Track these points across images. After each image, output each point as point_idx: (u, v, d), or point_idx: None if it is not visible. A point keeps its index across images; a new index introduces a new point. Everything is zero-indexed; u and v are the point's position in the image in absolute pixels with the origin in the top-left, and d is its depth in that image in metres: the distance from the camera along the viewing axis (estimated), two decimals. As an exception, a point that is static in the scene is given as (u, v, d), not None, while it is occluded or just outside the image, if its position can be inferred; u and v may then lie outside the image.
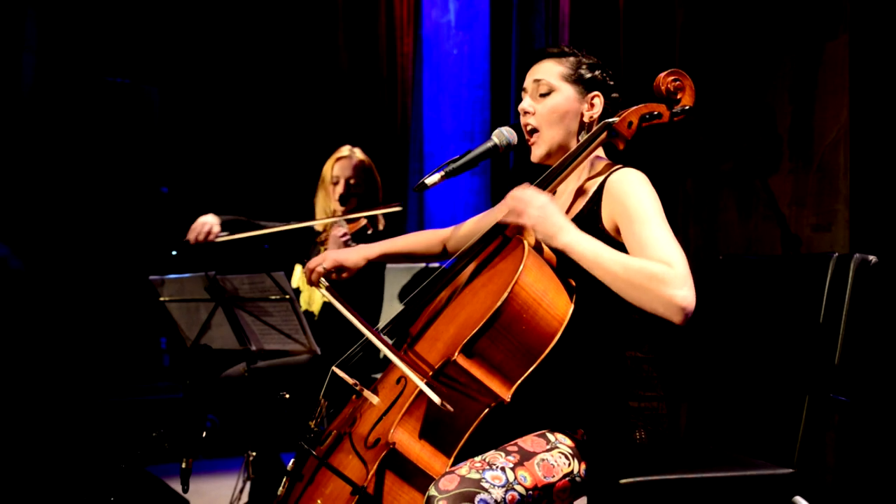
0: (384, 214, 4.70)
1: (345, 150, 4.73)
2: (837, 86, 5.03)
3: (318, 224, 4.65)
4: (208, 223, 4.38)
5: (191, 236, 4.35)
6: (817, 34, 4.98)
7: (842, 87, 4.97)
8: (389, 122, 6.48)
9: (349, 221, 4.56)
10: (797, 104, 5.07)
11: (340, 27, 6.41)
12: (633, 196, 2.54)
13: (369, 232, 4.66)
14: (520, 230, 2.62)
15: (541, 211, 2.53)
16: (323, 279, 3.14)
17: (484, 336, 2.43)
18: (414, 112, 6.24)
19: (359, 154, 4.73)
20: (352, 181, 4.62)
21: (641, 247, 2.45)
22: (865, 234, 4.69)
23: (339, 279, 3.21)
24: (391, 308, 4.75)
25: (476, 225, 3.24)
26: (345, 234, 4.19)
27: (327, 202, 4.70)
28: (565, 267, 2.56)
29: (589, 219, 2.65)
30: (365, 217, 4.61)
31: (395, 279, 5.44)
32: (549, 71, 2.80)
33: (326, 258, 3.18)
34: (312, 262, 3.16)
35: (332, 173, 4.66)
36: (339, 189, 4.62)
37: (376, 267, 4.63)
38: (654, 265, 2.37)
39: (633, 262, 2.40)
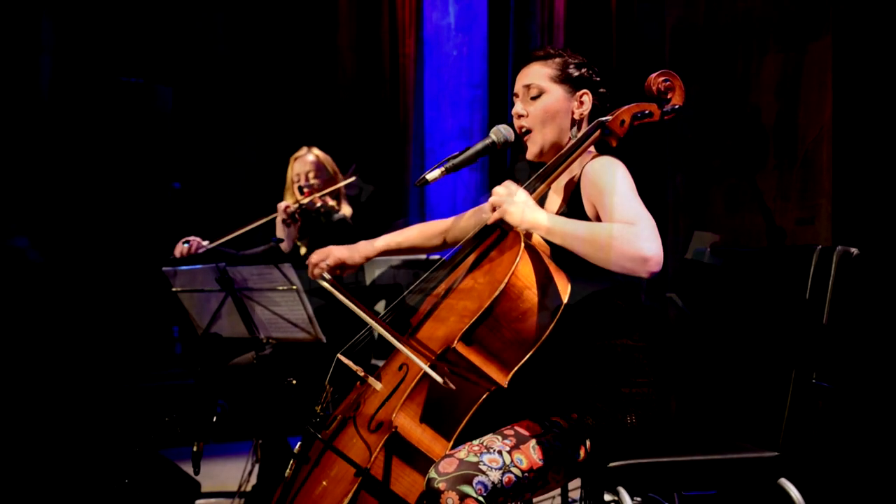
0: (348, 201, 4.84)
1: (301, 151, 4.92)
2: (820, 85, 5.02)
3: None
4: (186, 243, 4.52)
5: (176, 252, 4.49)
6: (801, 35, 4.97)
7: (824, 86, 4.96)
8: (392, 120, 6.47)
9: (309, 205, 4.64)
10: (782, 103, 5.07)
11: (346, 30, 6.39)
12: (604, 175, 2.56)
13: (337, 212, 4.73)
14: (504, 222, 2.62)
15: (508, 197, 2.54)
16: (326, 274, 3.11)
17: (482, 325, 2.44)
18: (415, 110, 6.24)
19: (315, 151, 4.87)
20: (310, 174, 4.76)
21: (609, 214, 2.46)
22: (847, 227, 4.69)
23: (340, 275, 3.20)
24: (395, 299, 4.76)
25: (473, 217, 3.23)
26: (287, 207, 4.42)
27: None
28: (558, 258, 2.56)
29: (575, 210, 2.66)
30: (320, 196, 4.69)
31: (398, 271, 5.43)
32: (538, 74, 2.80)
33: (330, 255, 3.14)
34: (315, 257, 3.12)
35: (293, 173, 4.84)
36: (300, 184, 4.77)
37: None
38: (618, 225, 2.38)
39: (598, 225, 2.41)
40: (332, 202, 4.78)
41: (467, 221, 3.26)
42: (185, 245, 4.48)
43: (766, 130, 5.09)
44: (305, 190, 4.75)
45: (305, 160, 4.84)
